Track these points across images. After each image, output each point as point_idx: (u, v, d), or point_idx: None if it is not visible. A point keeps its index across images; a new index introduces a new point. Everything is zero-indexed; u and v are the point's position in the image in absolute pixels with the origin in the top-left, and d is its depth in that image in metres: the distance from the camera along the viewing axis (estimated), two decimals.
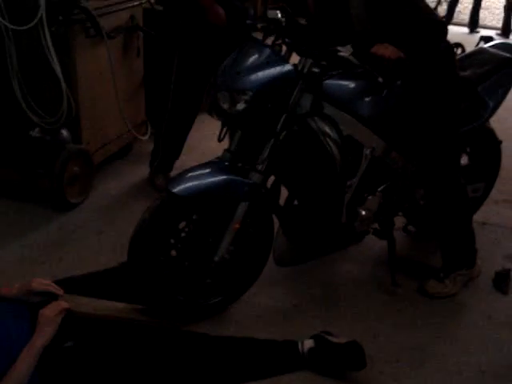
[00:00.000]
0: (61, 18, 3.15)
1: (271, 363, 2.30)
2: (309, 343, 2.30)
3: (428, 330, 2.60)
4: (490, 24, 9.95)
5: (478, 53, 2.97)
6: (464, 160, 3.09)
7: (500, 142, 3.13)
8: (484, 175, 3.17)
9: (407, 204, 2.85)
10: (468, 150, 3.13)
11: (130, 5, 3.69)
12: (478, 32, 8.53)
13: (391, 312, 2.70)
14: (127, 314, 2.32)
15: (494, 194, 3.43)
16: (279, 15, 2.46)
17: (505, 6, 8.24)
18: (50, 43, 3.13)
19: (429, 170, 2.61)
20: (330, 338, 2.31)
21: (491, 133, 3.11)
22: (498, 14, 9.99)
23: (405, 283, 2.85)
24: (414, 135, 2.59)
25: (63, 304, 2.07)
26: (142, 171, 3.87)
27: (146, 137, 4.07)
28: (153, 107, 4.20)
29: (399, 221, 3.02)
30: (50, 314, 2.01)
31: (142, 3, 3.82)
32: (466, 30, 9.03)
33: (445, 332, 2.60)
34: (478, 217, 3.33)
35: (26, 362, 1.91)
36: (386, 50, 2.26)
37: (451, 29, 8.21)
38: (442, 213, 2.71)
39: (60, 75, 3.18)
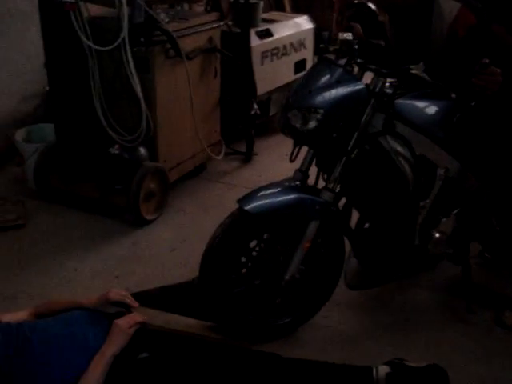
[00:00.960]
0: (142, 39, 3.26)
1: None
2: (384, 369, 2.24)
3: (504, 363, 2.48)
4: None
5: None
6: None
7: None
8: None
9: (483, 229, 2.74)
10: None
11: (209, 27, 3.77)
12: None
13: (465, 341, 2.60)
14: (198, 330, 2.35)
15: None
16: (350, 37, 2.46)
17: None
18: (131, 63, 3.24)
19: (503, 195, 2.52)
20: (406, 362, 2.25)
21: None
22: None
23: (479, 312, 2.75)
24: (491, 158, 2.51)
25: (138, 317, 2.11)
26: (216, 190, 3.92)
27: (220, 156, 4.12)
28: (228, 128, 4.27)
29: (475, 247, 2.91)
30: (124, 325, 2.06)
31: (220, 26, 3.89)
32: None
33: None
34: None
35: (96, 369, 1.96)
36: (489, 80, 2.23)
37: None
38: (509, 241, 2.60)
39: (140, 95, 3.28)
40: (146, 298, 2.39)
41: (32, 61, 4.20)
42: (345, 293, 2.67)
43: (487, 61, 2.21)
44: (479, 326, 2.69)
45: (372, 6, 2.84)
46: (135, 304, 2.23)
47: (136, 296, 2.32)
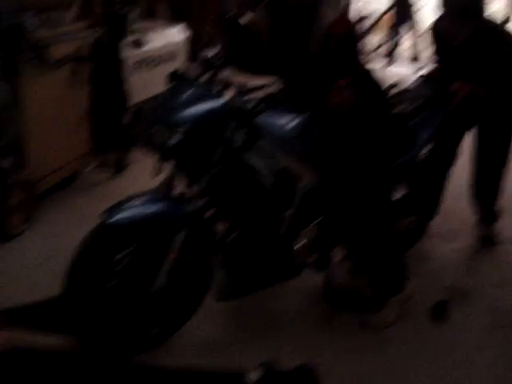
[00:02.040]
0: (7, 46, 3.14)
1: None
2: (256, 374, 2.30)
3: (370, 360, 2.63)
4: None
5: (408, 91, 3.14)
6: (398, 193, 3.17)
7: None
8: (418, 208, 3.26)
9: (344, 236, 2.87)
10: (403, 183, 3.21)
11: (80, 35, 3.71)
12: None
13: (332, 344, 2.71)
14: (66, 345, 2.30)
15: (435, 227, 3.55)
16: (211, 53, 2.53)
17: None
18: None
19: (355, 205, 2.66)
20: (277, 366, 2.32)
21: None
22: None
23: (344, 315, 2.88)
24: (345, 170, 2.64)
25: (2, 341, 2.03)
26: (87, 201, 3.84)
27: (91, 167, 4.05)
28: (99, 137, 4.20)
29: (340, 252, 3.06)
30: None
31: (91, 34, 3.83)
32: (408, 67, 9.28)
33: (385, 363, 2.62)
34: (417, 250, 3.45)
35: None
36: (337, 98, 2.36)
37: (394, 67, 8.50)
38: (367, 246, 2.76)
39: (4, 101, 3.15)
40: (12, 315, 2.31)
41: None
42: (217, 303, 2.69)
43: (343, 84, 2.34)
44: (344, 329, 2.82)
45: (245, 19, 2.92)
46: None
47: (4, 313, 2.24)
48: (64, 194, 3.95)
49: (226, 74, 2.55)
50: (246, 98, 2.39)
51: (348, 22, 2.62)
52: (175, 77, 2.51)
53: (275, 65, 2.66)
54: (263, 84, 2.37)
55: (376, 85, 2.69)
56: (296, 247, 2.65)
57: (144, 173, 4.18)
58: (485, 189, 3.50)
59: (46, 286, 2.85)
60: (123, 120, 4.22)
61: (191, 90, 2.37)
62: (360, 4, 9.17)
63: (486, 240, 3.64)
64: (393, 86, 3.11)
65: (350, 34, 2.56)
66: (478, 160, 3.43)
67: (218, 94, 2.44)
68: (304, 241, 2.67)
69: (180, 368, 2.33)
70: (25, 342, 2.18)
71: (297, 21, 2.55)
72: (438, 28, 3.18)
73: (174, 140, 2.26)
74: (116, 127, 4.23)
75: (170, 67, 4.74)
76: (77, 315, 2.34)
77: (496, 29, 3.12)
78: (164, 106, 2.36)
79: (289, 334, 2.76)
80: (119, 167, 4.36)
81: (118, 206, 2.32)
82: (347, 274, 3.19)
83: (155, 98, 2.48)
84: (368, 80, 2.66)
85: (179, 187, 2.52)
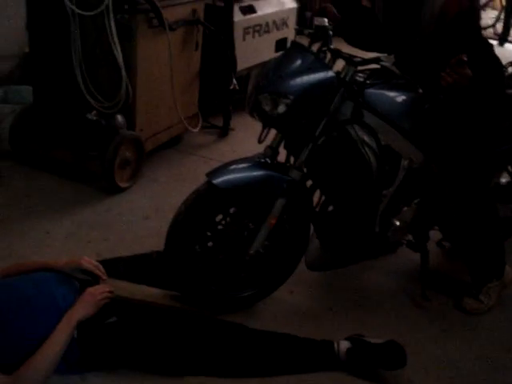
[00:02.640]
0: (126, 6, 3.25)
1: (306, 361, 2.34)
2: (345, 344, 2.33)
3: (459, 347, 2.59)
4: None
5: None
6: (505, 179, 3.06)
7: None
8: None
9: (443, 218, 2.82)
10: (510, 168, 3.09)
11: None
12: None
13: (422, 324, 2.70)
14: (163, 300, 2.40)
15: None
16: (325, 23, 2.49)
17: None
18: (113, 30, 3.24)
19: (459, 186, 2.59)
20: (366, 338, 2.34)
21: None
22: None
23: (437, 297, 2.84)
24: (452, 150, 2.57)
25: (108, 290, 2.16)
26: (190, 162, 3.96)
27: (197, 129, 4.15)
28: (206, 101, 4.29)
29: (436, 235, 3.01)
30: (96, 295, 2.12)
31: None
32: None
33: (476, 350, 2.58)
34: None
35: (62, 331, 2.01)
36: (461, 75, 2.27)
37: (507, 47, 8.12)
38: (468, 229, 2.68)
39: (121, 62, 3.29)
40: (115, 266, 2.44)
41: (12, 21, 4.15)
42: (309, 272, 2.73)
43: (465, 58, 2.23)
44: (437, 311, 2.79)
45: None
46: (104, 277, 2.27)
47: (106, 263, 2.36)
48: (170, 153, 4.08)
49: (336, 44, 2.52)
50: (357, 70, 2.36)
51: None
52: (285, 45, 2.52)
53: (388, 42, 2.61)
54: (375, 58, 2.32)
55: (496, 61, 2.57)
56: (394, 225, 2.62)
57: (248, 138, 4.30)
58: None
59: (150, 240, 3.00)
60: (230, 85, 4.27)
61: (302, 60, 2.35)
62: None
63: None
64: (510, 64, 2.97)
65: (471, 6, 2.43)
66: None
67: (328, 65, 2.42)
68: (402, 219, 2.64)
69: (272, 332, 2.40)
70: (126, 293, 2.30)
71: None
72: None
73: (280, 110, 2.26)
74: (223, 91, 4.30)
75: (280, 35, 4.80)
76: (177, 271, 2.43)
77: None
78: (273, 73, 2.35)
79: (380, 311, 2.76)
80: (224, 131, 4.45)
81: (222, 168, 2.37)
82: (444, 256, 3.14)
83: (265, 63, 2.48)
84: (489, 55, 2.54)
85: (283, 154, 2.54)
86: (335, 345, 2.33)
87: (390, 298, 2.86)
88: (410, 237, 2.79)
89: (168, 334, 2.23)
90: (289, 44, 2.51)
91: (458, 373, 2.45)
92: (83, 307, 2.08)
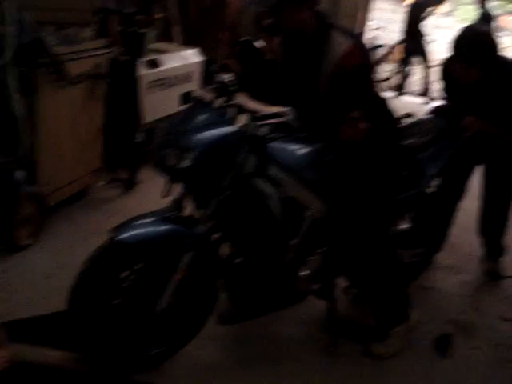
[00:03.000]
0: (28, 60, 3.18)
1: None
2: None
3: None
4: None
5: (419, 123, 3.12)
6: (405, 225, 3.17)
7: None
8: (425, 241, 3.26)
9: (347, 266, 2.87)
10: (411, 215, 3.22)
11: (97, 53, 3.75)
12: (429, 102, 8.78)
13: (334, 372, 2.72)
14: (68, 362, 2.31)
15: (442, 259, 3.54)
16: (226, 79, 2.55)
17: None
18: (14, 82, 3.15)
19: (360, 234, 2.67)
20: None
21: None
22: None
23: (347, 344, 2.88)
24: (352, 200, 2.65)
25: (6, 357, 2.04)
26: (96, 217, 3.86)
27: (102, 183, 4.07)
28: (112, 155, 4.23)
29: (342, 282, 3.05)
30: None
31: (108, 52, 3.88)
32: (418, 99, 9.35)
33: None
34: (421, 281, 3.44)
35: None
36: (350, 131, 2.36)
37: (404, 98, 8.57)
38: (370, 276, 2.76)
39: (21, 117, 3.20)
40: (17, 329, 2.32)
41: None
42: (219, 326, 2.70)
43: (356, 115, 2.34)
44: (347, 358, 2.82)
45: (259, 43, 2.96)
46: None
47: (7, 326, 2.24)
48: (73, 209, 3.96)
49: (240, 99, 2.57)
50: (259, 124, 2.41)
51: (362, 50, 2.61)
52: (189, 99, 2.54)
53: (288, 93, 2.69)
54: (277, 112, 2.39)
55: (390, 115, 2.71)
56: (301, 275, 2.65)
57: (154, 192, 4.19)
58: (491, 225, 3.53)
59: (52, 300, 2.86)
60: (135, 138, 4.25)
61: (205, 115, 2.40)
62: (372, 35, 9.24)
63: (492, 274, 3.65)
64: (405, 116, 3.13)
65: (364, 63, 2.56)
66: (485, 196, 3.46)
67: (231, 120, 2.46)
68: (309, 269, 2.67)
69: None
70: (28, 357, 2.19)
71: (310, 49, 2.57)
72: (447, 69, 3.19)
73: (184, 164, 2.29)
74: (128, 145, 4.27)
75: (184, 89, 4.85)
76: (81, 331, 2.35)
77: (508, 67, 3.13)
78: (177, 128, 2.39)
79: (290, 361, 2.76)
80: (129, 185, 4.38)
81: (126, 224, 2.34)
82: (350, 303, 3.20)
83: (169, 118, 2.50)
84: (383, 109, 2.67)
85: (188, 209, 2.53)
86: None
87: (301, 348, 2.87)
88: (317, 286, 2.82)
89: None
90: (191, 99, 2.54)
91: None
92: None
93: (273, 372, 2.66)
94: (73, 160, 3.74)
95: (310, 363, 2.76)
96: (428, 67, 9.25)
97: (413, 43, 9.16)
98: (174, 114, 2.52)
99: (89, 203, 4.09)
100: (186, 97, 4.81)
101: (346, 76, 2.45)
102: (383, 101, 2.71)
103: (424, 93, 9.35)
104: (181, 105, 4.71)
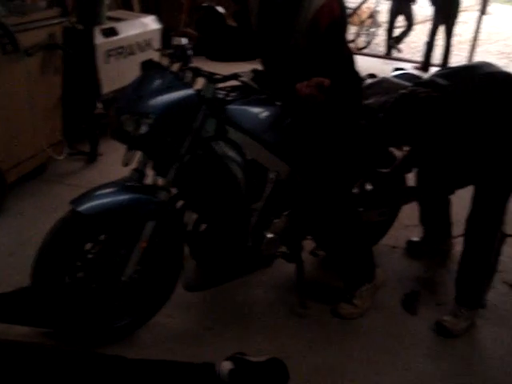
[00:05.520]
0: None
1: None
2: (227, 365, 2.30)
3: (339, 351, 2.65)
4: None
5: (382, 82, 3.09)
6: (370, 185, 3.20)
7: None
8: (389, 200, 3.28)
9: (313, 227, 2.87)
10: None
11: (50, 22, 3.64)
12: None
13: (303, 334, 2.74)
14: (35, 338, 2.28)
15: (404, 218, 3.58)
16: (183, 42, 2.51)
17: (426, 42, 8.59)
18: None
19: (322, 195, 2.66)
20: (248, 357, 2.33)
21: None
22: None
23: (315, 306, 2.90)
24: (314, 160, 2.64)
25: None
26: (57, 191, 3.80)
27: (62, 156, 3.99)
28: (71, 127, 4.15)
29: (309, 244, 3.06)
30: None
31: (62, 22, 3.77)
32: (380, 60, 9.34)
33: (356, 353, 2.66)
34: (388, 240, 3.47)
35: None
36: (308, 89, 2.29)
37: (367, 59, 8.57)
38: (335, 236, 2.76)
39: None
40: None
41: None
42: (186, 293, 2.69)
43: (326, 84, 2.27)
44: (315, 319, 2.85)
45: (220, 9, 2.90)
46: None
47: None
48: (35, 183, 3.90)
49: (197, 63, 2.53)
50: (217, 87, 2.38)
51: (340, 4, 2.45)
52: (147, 66, 2.49)
53: (260, 51, 2.64)
54: (235, 73, 2.35)
55: (356, 73, 2.68)
56: (266, 238, 2.65)
57: (116, 163, 4.16)
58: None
59: (15, 277, 2.82)
60: (95, 109, 4.16)
61: (162, 79, 2.34)
62: None
63: None
64: (369, 76, 3.12)
65: (342, 16, 2.46)
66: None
67: (189, 84, 2.42)
68: (274, 232, 2.67)
69: (151, 359, 2.34)
70: None
71: (284, 6, 2.47)
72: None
73: (141, 130, 2.24)
74: (87, 117, 4.18)
75: (144, 57, 4.74)
76: (46, 306, 2.31)
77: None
78: (133, 94, 2.32)
79: (259, 325, 2.78)
80: (91, 157, 4.32)
81: (87, 195, 2.30)
82: (318, 264, 3.22)
83: (126, 86, 2.44)
84: (350, 67, 2.63)
85: (150, 177, 2.50)
86: (217, 367, 2.30)
87: (270, 312, 2.88)
88: (284, 248, 2.83)
89: (41, 374, 2.10)
90: (142, 66, 2.48)
91: (339, 378, 2.50)
92: None
93: (243, 336, 2.67)
94: (32, 134, 3.65)
95: (279, 325, 2.78)
96: (410, 27, 9.30)
97: (397, 3, 9.16)
98: (132, 80, 2.45)
99: (50, 177, 4.03)
100: (146, 64, 4.75)
101: (326, 29, 2.37)
102: (352, 58, 2.67)
103: (388, 54, 9.40)
104: (140, 73, 4.65)
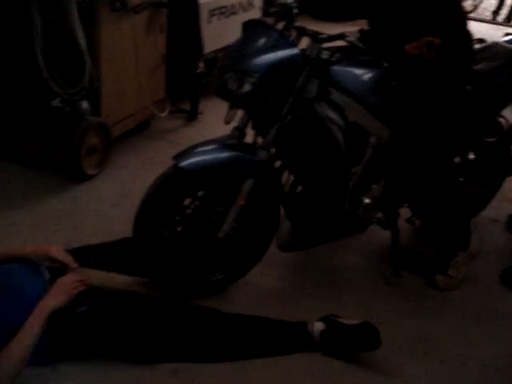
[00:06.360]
0: None
1: (280, 343, 2.34)
2: (319, 325, 2.33)
3: (432, 322, 2.61)
4: None
5: (492, 47, 2.94)
6: (473, 155, 3.07)
7: None
8: (493, 171, 3.15)
9: (410, 195, 2.81)
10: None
11: None
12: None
13: (395, 301, 2.71)
14: (134, 287, 2.38)
15: (507, 191, 3.44)
16: (289, 0, 2.46)
17: None
18: (75, 14, 3.15)
19: (424, 162, 2.59)
20: (340, 320, 2.34)
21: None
22: None
23: (408, 274, 2.86)
24: (418, 126, 2.56)
25: (81, 281, 2.12)
26: (159, 147, 3.92)
27: (165, 114, 4.09)
28: (173, 85, 4.23)
29: (406, 212, 3.00)
30: (69, 285, 2.08)
31: None
32: (488, 25, 8.90)
33: (449, 324, 2.61)
34: (489, 213, 3.35)
35: (34, 322, 1.96)
36: (417, 50, 2.24)
37: (474, 24, 8.16)
38: (433, 205, 2.69)
39: (84, 47, 3.21)
40: (85, 255, 2.39)
41: None
42: (280, 253, 2.72)
43: (437, 42, 2.20)
44: (408, 288, 2.81)
45: None
46: (74, 265, 2.23)
47: (75, 252, 2.32)
48: (138, 139, 4.03)
49: (302, 22, 2.49)
50: (322, 47, 2.33)
51: None
52: (251, 25, 2.48)
53: (366, 11, 2.57)
54: (340, 34, 2.30)
55: (468, 36, 2.56)
56: (363, 202, 2.62)
57: (216, 121, 4.24)
58: None
59: (119, 227, 2.95)
60: (196, 68, 4.22)
61: (266, 38, 2.32)
62: None
63: None
64: (477, 41, 2.97)
65: None
66: None
67: (293, 43, 2.39)
68: (372, 197, 2.64)
69: (244, 314, 2.39)
70: (97, 281, 2.26)
71: None
72: None
73: (244, 89, 2.23)
74: (190, 75, 4.25)
75: (246, 17, 4.75)
76: (146, 257, 2.40)
77: None
78: (238, 52, 2.32)
79: (352, 289, 2.77)
80: (192, 115, 4.40)
81: (188, 151, 2.33)
82: (414, 233, 3.16)
83: (230, 45, 2.44)
84: (462, 28, 2.51)
85: (250, 135, 2.52)
86: (309, 326, 2.33)
87: (363, 278, 2.87)
88: (380, 215, 2.79)
89: (140, 321, 2.20)
90: (245, 25, 2.48)
91: (431, 348, 2.47)
92: (55, 298, 2.04)
93: (335, 298, 2.68)
94: (136, 91, 3.76)
95: (371, 292, 2.76)
96: None
97: None
98: (236, 39, 2.44)
99: (152, 134, 4.15)
100: (249, 24, 4.75)
101: None
102: (465, 18, 2.55)
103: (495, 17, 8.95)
104: (243, 32, 4.66)
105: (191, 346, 2.23)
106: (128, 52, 3.58)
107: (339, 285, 2.79)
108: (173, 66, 4.16)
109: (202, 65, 4.23)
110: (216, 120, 4.28)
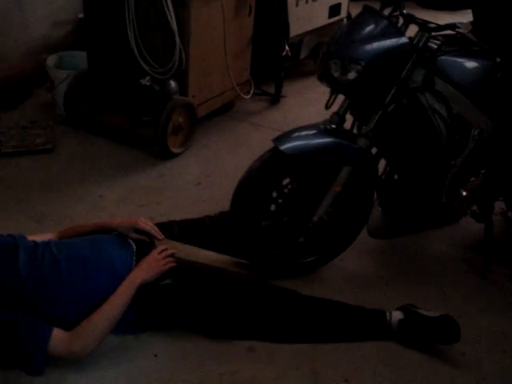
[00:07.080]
0: None
1: (356, 329, 2.34)
2: (398, 314, 2.31)
3: None
4: None
5: None
6: None
7: None
8: None
9: (508, 189, 2.76)
10: None
11: None
12: None
13: (479, 295, 2.66)
14: (219, 263, 2.41)
15: None
16: None
17: None
18: None
19: None
20: (419, 310, 2.31)
21: None
22: None
23: (496, 269, 2.80)
24: None
25: (172, 255, 2.18)
26: (242, 129, 3.95)
27: (249, 96, 4.12)
28: (257, 67, 4.25)
29: (499, 206, 2.94)
30: (160, 260, 2.15)
31: None
32: None
33: None
34: None
35: (124, 293, 2.03)
36: None
37: None
38: None
39: (175, 28, 3.27)
40: (169, 229, 2.45)
41: None
42: (366, 239, 2.72)
43: None
44: (494, 282, 2.75)
45: None
46: (161, 237, 2.29)
47: (160, 226, 2.38)
48: (222, 120, 4.08)
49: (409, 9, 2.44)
50: (431, 36, 2.28)
51: None
52: (339, 10, 2.43)
53: (477, 1, 2.51)
54: (451, 23, 2.24)
55: None
56: (461, 195, 2.58)
57: (299, 105, 4.27)
58: None
59: (201, 205, 3.02)
60: (282, 52, 4.22)
61: (375, 25, 2.28)
62: None
63: None
64: None
65: None
66: None
67: (402, 31, 2.35)
68: (469, 190, 2.59)
69: (323, 298, 2.40)
70: (182, 254, 2.30)
71: None
72: None
73: (349, 76, 2.22)
74: (275, 58, 4.26)
75: (333, 1, 4.70)
76: (242, 234, 2.43)
77: None
78: (344, 39, 2.29)
79: (435, 280, 2.73)
80: (276, 98, 4.41)
81: (289, 134, 2.34)
82: (506, 227, 3.06)
83: (336, 31, 2.40)
84: None
85: (349, 122, 2.51)
86: (387, 314, 2.31)
87: (447, 269, 2.82)
88: (474, 207, 2.74)
89: (221, 298, 2.24)
90: (360, 9, 2.42)
91: (510, 346, 2.40)
92: (146, 271, 2.10)
93: (416, 289, 2.64)
94: (223, 72, 3.80)
95: (454, 284, 2.71)
96: None
97: None
98: (343, 23, 2.39)
99: (236, 115, 4.19)
100: (335, 9, 4.70)
101: None
102: None
103: None
104: (329, 17, 4.62)
105: (269, 324, 2.26)
106: (216, 33, 3.62)
107: (420, 275, 2.76)
108: (258, 48, 4.18)
109: (287, 48, 4.22)
110: (298, 104, 4.30)
